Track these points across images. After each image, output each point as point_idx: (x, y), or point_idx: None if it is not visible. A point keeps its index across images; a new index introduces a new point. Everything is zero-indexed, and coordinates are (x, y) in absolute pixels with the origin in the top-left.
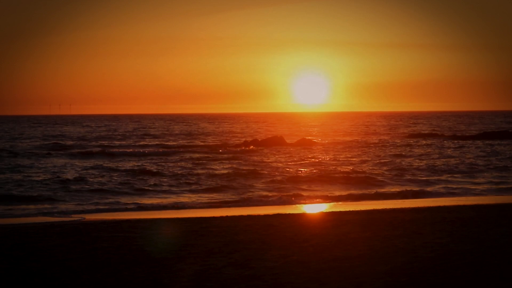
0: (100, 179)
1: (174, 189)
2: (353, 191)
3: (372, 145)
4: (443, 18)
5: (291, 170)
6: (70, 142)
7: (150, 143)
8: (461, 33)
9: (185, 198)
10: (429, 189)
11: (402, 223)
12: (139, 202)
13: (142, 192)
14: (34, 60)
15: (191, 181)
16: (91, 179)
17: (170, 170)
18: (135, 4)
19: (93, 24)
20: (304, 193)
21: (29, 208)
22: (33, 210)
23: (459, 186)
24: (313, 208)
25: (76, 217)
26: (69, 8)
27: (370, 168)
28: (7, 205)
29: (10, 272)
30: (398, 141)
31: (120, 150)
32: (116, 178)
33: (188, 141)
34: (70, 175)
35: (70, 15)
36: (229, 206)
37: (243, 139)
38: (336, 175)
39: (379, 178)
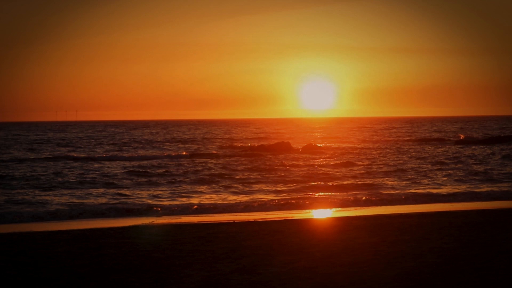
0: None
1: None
2: (361, 196)
3: (379, 150)
4: (448, 23)
5: (297, 176)
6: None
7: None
8: (466, 37)
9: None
10: None
11: (409, 228)
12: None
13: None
14: (34, 67)
15: (189, 185)
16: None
17: (171, 174)
18: (139, 10)
19: (98, 30)
20: (311, 199)
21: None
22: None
23: None
24: (320, 214)
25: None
26: (72, 14)
27: (375, 173)
28: None
29: (18, 279)
30: (407, 147)
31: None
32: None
33: (191, 146)
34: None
35: (72, 20)
36: (235, 211)
37: (249, 145)
38: (343, 181)
39: (388, 183)
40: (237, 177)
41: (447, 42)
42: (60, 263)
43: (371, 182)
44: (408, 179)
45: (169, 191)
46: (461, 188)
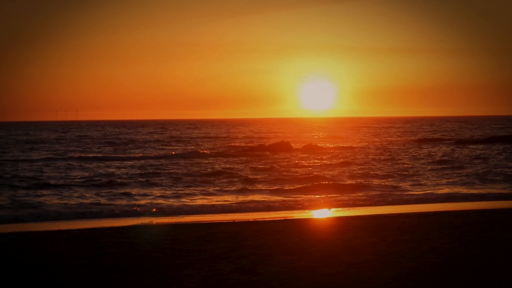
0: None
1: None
2: (361, 196)
3: (379, 150)
4: (448, 23)
5: (297, 175)
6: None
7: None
8: (466, 37)
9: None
10: None
11: (409, 228)
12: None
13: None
14: (33, 67)
15: (189, 185)
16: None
17: (172, 173)
18: (139, 10)
19: (98, 30)
20: (310, 199)
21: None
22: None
23: None
24: (320, 213)
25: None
26: (72, 14)
27: (373, 173)
28: None
29: (18, 279)
30: (409, 147)
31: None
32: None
33: (191, 146)
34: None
35: (72, 20)
36: (235, 211)
37: (249, 144)
38: (343, 181)
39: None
40: (237, 177)
41: (447, 42)
42: (60, 263)
43: (371, 182)
44: (409, 179)
45: (168, 191)
46: (459, 188)
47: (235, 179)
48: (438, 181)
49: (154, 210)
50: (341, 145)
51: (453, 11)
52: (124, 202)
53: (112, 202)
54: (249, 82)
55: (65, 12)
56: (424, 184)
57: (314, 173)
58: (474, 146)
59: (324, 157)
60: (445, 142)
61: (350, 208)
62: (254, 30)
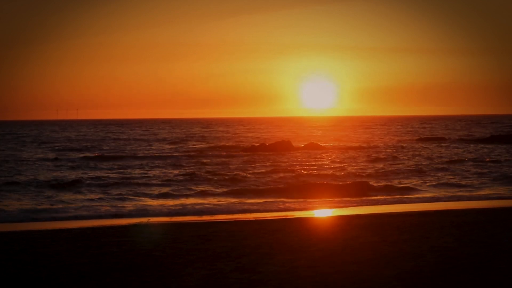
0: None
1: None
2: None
3: (379, 149)
4: (448, 23)
5: (297, 174)
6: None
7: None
8: (466, 37)
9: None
10: None
11: (409, 227)
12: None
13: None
14: (34, 66)
15: (193, 185)
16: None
17: (170, 174)
18: (139, 10)
19: (98, 30)
20: (311, 198)
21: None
22: None
23: None
24: (321, 213)
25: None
26: (72, 14)
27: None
28: None
29: (18, 277)
30: (408, 145)
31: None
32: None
33: (191, 145)
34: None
35: (72, 20)
36: (237, 212)
37: (251, 144)
38: (344, 180)
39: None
40: (237, 176)
41: (447, 42)
42: (60, 262)
43: (372, 181)
44: (413, 179)
45: (168, 191)
46: (453, 190)
47: (235, 178)
48: (440, 182)
49: (156, 208)
50: (342, 144)
51: (453, 11)
52: (121, 201)
53: (108, 203)
54: (249, 82)
55: (65, 12)
56: (427, 183)
57: (314, 172)
58: (473, 145)
59: (324, 156)
60: (446, 140)
61: (350, 207)
62: (254, 30)
